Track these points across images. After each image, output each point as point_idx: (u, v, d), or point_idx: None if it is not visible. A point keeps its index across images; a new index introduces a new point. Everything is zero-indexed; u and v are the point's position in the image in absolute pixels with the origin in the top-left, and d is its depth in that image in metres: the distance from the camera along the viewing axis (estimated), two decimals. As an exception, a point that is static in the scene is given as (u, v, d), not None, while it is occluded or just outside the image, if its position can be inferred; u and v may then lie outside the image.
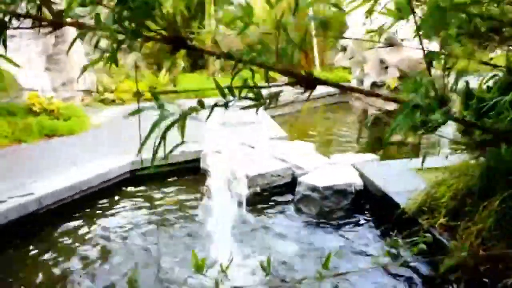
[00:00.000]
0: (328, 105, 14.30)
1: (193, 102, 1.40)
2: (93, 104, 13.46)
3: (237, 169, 5.54)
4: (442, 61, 1.98)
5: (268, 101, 1.38)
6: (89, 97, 13.93)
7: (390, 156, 6.92)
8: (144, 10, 1.24)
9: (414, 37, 2.06)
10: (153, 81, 16.14)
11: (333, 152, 6.85)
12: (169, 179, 6.49)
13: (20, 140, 8.66)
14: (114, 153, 6.94)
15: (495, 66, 2.91)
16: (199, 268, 1.33)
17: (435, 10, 1.74)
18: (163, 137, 1.25)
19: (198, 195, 5.83)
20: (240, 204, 5.04)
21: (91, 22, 1.47)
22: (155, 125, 1.22)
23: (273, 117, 10.56)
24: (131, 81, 15.15)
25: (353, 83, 9.40)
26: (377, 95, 1.61)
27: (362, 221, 4.75)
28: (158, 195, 6.06)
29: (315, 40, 22.25)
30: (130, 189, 6.25)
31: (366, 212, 4.89)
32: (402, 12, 2.31)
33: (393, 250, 2.21)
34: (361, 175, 5.14)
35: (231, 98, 1.32)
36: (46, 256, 4.41)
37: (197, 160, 6.70)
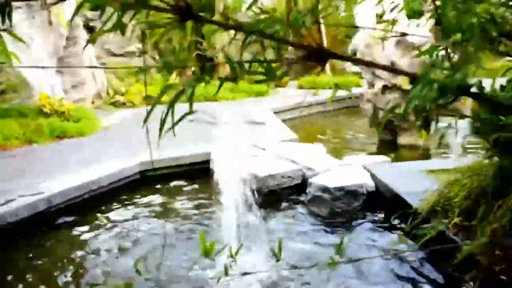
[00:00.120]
0: (337, 110, 14.24)
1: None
2: (104, 107, 13.52)
3: (247, 170, 5.51)
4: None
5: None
6: (100, 100, 13.99)
7: (402, 159, 6.87)
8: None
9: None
10: (163, 84, 16.17)
11: (343, 155, 6.81)
12: (178, 181, 6.46)
13: (31, 141, 8.70)
14: (124, 154, 6.95)
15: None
16: (208, 253, 1.30)
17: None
18: (172, 105, 1.21)
19: (207, 197, 5.81)
20: (249, 205, 4.99)
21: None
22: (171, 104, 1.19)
23: (283, 120, 10.55)
24: (141, 84, 15.20)
25: (364, 86, 9.36)
26: (395, 71, 1.56)
27: (373, 222, 4.69)
28: (167, 196, 6.03)
29: (325, 46, 22.23)
30: (140, 189, 6.23)
31: (378, 213, 4.83)
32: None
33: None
34: (373, 176, 5.09)
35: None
36: (54, 252, 4.42)
37: (208, 162, 6.68)
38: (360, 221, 4.75)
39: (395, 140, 8.42)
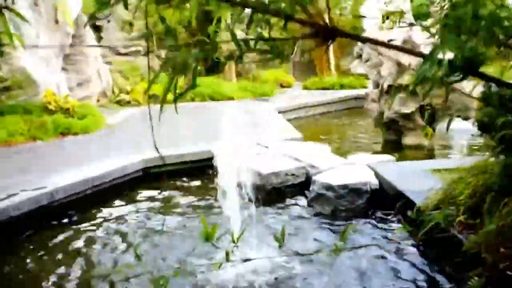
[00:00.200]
0: (342, 110, 14.21)
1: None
2: (109, 105, 13.53)
3: (251, 167, 5.48)
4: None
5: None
6: (105, 98, 14.00)
7: (406, 159, 6.81)
8: None
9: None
10: (169, 83, 16.17)
11: (348, 154, 6.77)
12: (181, 178, 6.45)
13: (36, 137, 8.70)
14: (128, 151, 6.94)
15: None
16: (209, 237, 1.27)
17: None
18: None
19: (210, 195, 5.78)
20: (251, 202, 4.95)
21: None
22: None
23: (288, 120, 10.53)
24: (146, 83, 15.19)
25: (370, 87, 9.31)
26: (403, 49, 1.53)
27: (377, 220, 4.65)
28: (169, 193, 6.02)
29: (331, 48, 22.21)
30: (143, 185, 6.22)
31: (382, 212, 4.78)
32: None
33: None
34: (377, 175, 5.05)
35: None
36: (54, 244, 4.40)
37: (211, 159, 6.65)
38: (363, 219, 4.70)
39: (399, 140, 8.37)
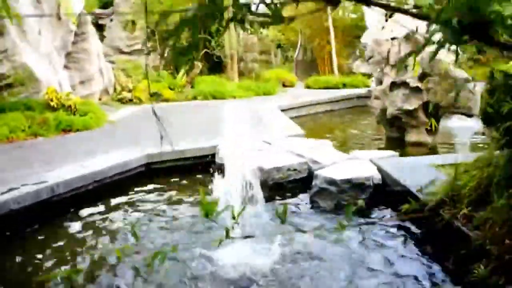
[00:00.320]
0: (344, 109, 14.17)
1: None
2: (111, 103, 13.51)
3: (253, 162, 5.45)
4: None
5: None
6: (107, 96, 13.99)
7: (409, 156, 6.78)
8: None
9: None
10: (171, 82, 16.18)
11: (350, 151, 6.73)
12: (184, 173, 6.42)
13: (37, 134, 8.69)
14: (129, 147, 6.91)
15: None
16: (208, 213, 1.24)
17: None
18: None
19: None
20: (253, 196, 4.92)
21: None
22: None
23: (291, 118, 10.49)
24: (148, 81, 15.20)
25: (372, 83, 9.28)
26: (408, 12, 1.47)
27: (380, 215, 4.61)
28: (170, 187, 6.00)
29: (333, 47, 22.18)
30: (144, 181, 6.20)
31: (384, 206, 4.75)
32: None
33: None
34: (380, 170, 5.01)
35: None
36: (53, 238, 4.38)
37: (213, 155, 6.63)
38: (365, 214, 4.66)
39: (402, 138, 8.33)
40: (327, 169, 5.14)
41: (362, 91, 15.44)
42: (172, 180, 6.30)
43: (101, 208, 5.29)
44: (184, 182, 6.26)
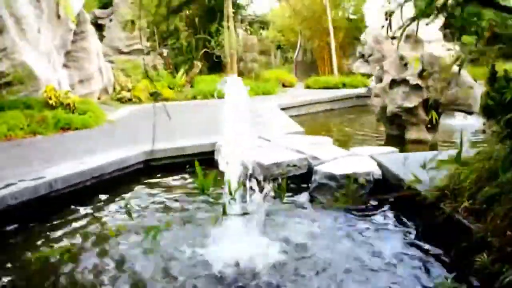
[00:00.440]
0: (344, 108, 14.15)
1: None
2: (110, 102, 13.50)
3: (252, 158, 5.41)
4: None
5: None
6: (106, 95, 13.97)
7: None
8: None
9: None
10: (170, 81, 16.17)
11: (350, 147, 6.70)
12: (182, 171, 6.39)
13: (36, 132, 8.67)
14: (128, 145, 6.89)
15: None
16: (205, 188, 1.21)
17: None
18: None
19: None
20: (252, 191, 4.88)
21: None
22: None
23: (290, 117, 10.46)
24: (148, 81, 15.19)
25: (372, 81, 9.25)
26: None
27: (380, 210, 4.57)
28: (167, 183, 5.98)
29: (333, 48, 22.19)
30: (142, 178, 6.17)
31: (385, 202, 4.71)
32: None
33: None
34: (380, 165, 4.98)
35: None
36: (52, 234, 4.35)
37: (212, 152, 6.60)
38: (365, 210, 4.62)
39: (402, 135, 8.30)
40: (326, 165, 5.11)
41: (361, 90, 15.42)
42: (170, 176, 6.27)
43: (98, 201, 5.27)
44: (182, 177, 6.24)
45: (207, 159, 6.40)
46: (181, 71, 17.07)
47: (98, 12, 19.21)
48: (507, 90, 2.67)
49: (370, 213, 4.53)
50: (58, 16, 11.60)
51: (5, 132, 8.26)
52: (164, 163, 6.59)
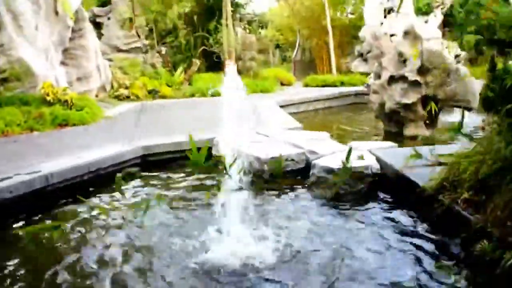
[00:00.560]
0: (343, 106, 14.12)
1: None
2: (108, 100, 13.45)
3: (250, 153, 5.39)
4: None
5: None
6: (104, 93, 13.92)
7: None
8: None
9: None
10: (169, 79, 16.12)
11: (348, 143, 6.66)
12: (178, 165, 6.36)
13: (33, 128, 8.62)
14: (125, 140, 6.86)
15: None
16: (198, 161, 1.17)
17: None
18: None
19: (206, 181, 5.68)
20: (249, 185, 4.84)
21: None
22: None
23: (289, 114, 10.43)
24: (146, 78, 15.15)
25: (370, 78, 9.22)
26: None
27: (379, 204, 4.54)
28: (163, 177, 5.95)
29: (332, 47, 22.15)
30: (139, 172, 6.14)
31: (384, 196, 4.68)
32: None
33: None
34: (378, 159, 4.94)
35: None
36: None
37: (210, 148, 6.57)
38: (364, 203, 4.59)
39: (401, 132, 8.27)
40: (325, 158, 5.07)
41: (360, 88, 15.39)
42: (167, 170, 6.24)
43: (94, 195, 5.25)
44: (177, 172, 6.21)
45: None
46: (180, 69, 17.02)
47: (97, 10, 19.15)
48: (507, 77, 2.63)
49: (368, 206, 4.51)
50: (56, 13, 11.55)
51: (2, 128, 8.22)
52: (161, 158, 6.56)
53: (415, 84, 7.83)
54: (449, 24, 19.63)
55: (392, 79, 8.19)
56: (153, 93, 14.73)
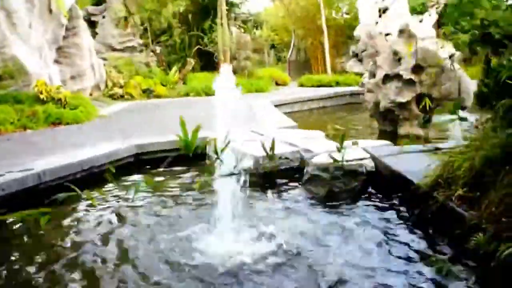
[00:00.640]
0: (337, 106, 14.12)
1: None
2: (102, 99, 13.41)
3: (244, 151, 5.36)
4: None
5: None
6: (98, 92, 13.87)
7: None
8: None
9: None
10: (163, 78, 16.09)
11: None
12: (171, 164, 6.31)
13: (26, 127, 8.59)
14: (118, 139, 6.83)
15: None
16: (188, 147, 1.14)
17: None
18: None
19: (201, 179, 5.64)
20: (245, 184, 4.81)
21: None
22: None
23: (284, 113, 10.42)
24: (140, 77, 15.11)
25: (365, 77, 9.21)
26: None
27: (373, 202, 4.52)
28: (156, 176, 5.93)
29: (327, 47, 22.18)
30: (133, 171, 6.10)
31: (377, 194, 4.66)
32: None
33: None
34: (373, 157, 4.92)
35: None
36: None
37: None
38: (358, 201, 4.57)
39: (395, 131, 8.28)
40: (319, 156, 5.05)
41: (355, 88, 15.41)
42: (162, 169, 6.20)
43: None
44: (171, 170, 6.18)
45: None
46: (174, 68, 16.99)
47: (91, 8, 19.10)
48: (502, 70, 2.62)
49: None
50: (50, 11, 11.50)
51: (-5, 126, 8.18)
52: (155, 157, 6.52)
53: (409, 82, 7.83)
54: (443, 24, 19.69)
55: (387, 78, 8.19)
56: (147, 92, 14.70)
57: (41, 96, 9.61)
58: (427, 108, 7.07)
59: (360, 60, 19.41)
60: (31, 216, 1.83)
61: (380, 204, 4.44)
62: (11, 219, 4.32)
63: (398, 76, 7.96)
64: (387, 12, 12.43)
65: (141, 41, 18.33)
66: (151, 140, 6.76)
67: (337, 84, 17.77)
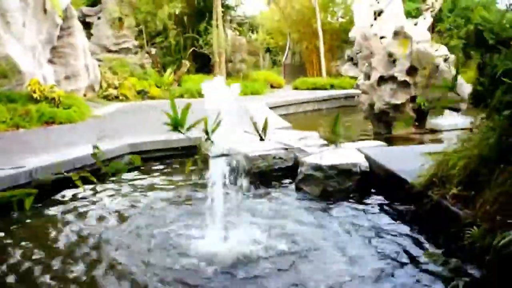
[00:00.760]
0: (332, 108, 14.12)
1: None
2: (96, 100, 13.35)
3: (238, 151, 5.33)
4: None
5: None
6: (93, 93, 13.81)
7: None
8: None
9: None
10: (158, 80, 16.05)
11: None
12: (166, 162, 6.31)
13: (19, 126, 8.53)
14: (112, 138, 6.79)
15: None
16: (178, 124, 1.11)
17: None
18: None
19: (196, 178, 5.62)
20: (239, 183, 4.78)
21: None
22: None
23: (279, 115, 10.40)
24: (135, 79, 15.06)
25: (360, 78, 9.22)
26: None
27: (366, 201, 4.50)
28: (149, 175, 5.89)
29: (322, 51, 22.20)
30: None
31: (372, 193, 4.64)
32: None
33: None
34: (367, 158, 4.91)
35: None
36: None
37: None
38: (350, 201, 4.55)
39: (389, 133, 8.27)
40: (313, 156, 5.03)
41: (350, 91, 15.43)
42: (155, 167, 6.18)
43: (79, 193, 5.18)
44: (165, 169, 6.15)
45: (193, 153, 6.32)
46: (169, 70, 16.94)
47: (86, 9, 19.03)
48: (499, 64, 2.60)
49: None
50: (45, 11, 11.45)
51: (-14, 125, 8.12)
52: (148, 156, 6.49)
53: (404, 84, 7.84)
54: (439, 24, 19.74)
55: (381, 80, 8.19)
56: (142, 94, 14.65)
57: (35, 95, 9.55)
58: (422, 109, 7.07)
59: (355, 64, 19.43)
60: (16, 197, 1.79)
61: (373, 203, 4.42)
62: None
63: (393, 78, 7.97)
64: (382, 15, 12.44)
65: (136, 43, 18.28)
66: (144, 139, 6.73)
67: (332, 87, 17.79)
